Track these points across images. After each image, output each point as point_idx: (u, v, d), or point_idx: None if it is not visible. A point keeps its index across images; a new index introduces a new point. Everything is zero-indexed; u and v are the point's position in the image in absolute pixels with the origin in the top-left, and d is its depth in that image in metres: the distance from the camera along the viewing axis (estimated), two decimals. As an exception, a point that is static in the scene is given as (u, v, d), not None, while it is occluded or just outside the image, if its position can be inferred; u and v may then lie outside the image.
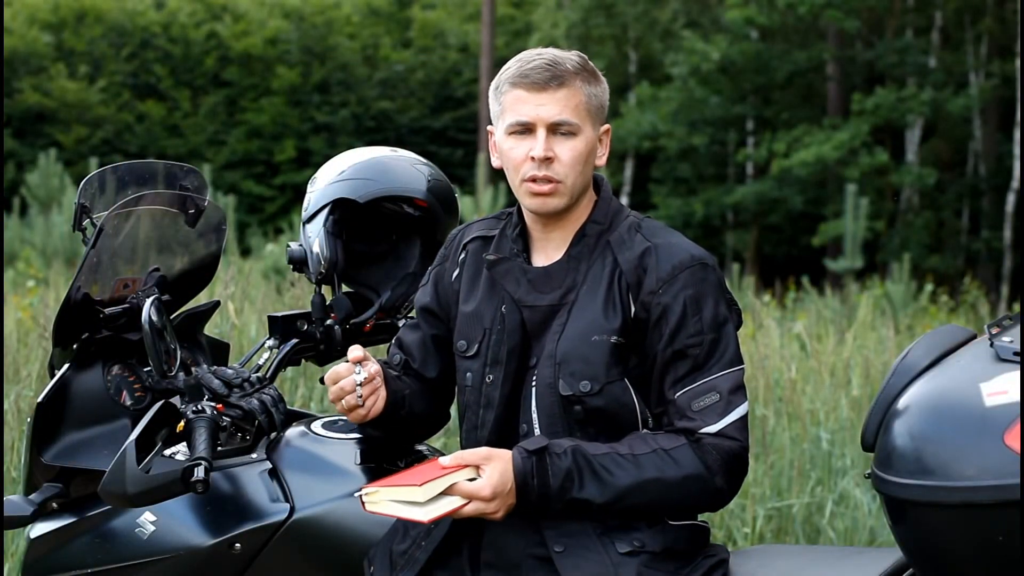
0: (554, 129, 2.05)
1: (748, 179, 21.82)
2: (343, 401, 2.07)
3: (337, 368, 2.08)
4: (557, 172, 2.05)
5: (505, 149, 2.09)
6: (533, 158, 2.04)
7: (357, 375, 2.05)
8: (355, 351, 2.07)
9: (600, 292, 2.06)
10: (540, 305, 2.09)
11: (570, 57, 2.08)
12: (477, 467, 1.96)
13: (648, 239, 2.08)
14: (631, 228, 2.10)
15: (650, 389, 2.06)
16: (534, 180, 2.05)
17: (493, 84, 2.12)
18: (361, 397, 2.06)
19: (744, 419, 2.03)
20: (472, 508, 1.94)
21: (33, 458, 2.29)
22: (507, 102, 2.07)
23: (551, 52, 2.08)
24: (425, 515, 1.90)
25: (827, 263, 13.79)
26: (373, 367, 2.08)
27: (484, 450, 1.98)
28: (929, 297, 11.36)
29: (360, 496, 1.94)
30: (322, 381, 2.13)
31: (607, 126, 2.13)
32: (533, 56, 2.07)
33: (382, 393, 2.11)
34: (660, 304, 2.03)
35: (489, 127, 2.15)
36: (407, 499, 1.90)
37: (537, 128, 2.05)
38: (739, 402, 2.03)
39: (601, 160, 2.13)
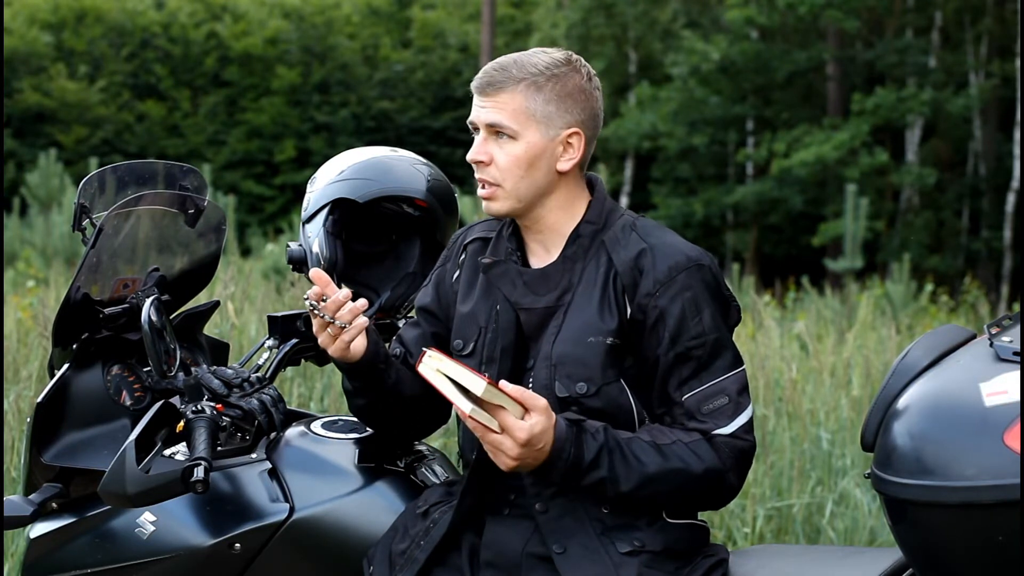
0: (493, 132, 2.07)
1: (748, 179, 21.82)
2: (322, 335, 2.04)
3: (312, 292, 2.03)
4: (492, 175, 2.08)
5: None
6: (468, 160, 2.10)
7: (306, 298, 2.01)
8: (316, 271, 2.03)
9: (595, 293, 2.06)
10: (536, 307, 2.09)
11: (533, 62, 2.06)
12: (526, 410, 1.91)
13: (643, 239, 2.07)
14: (625, 227, 2.10)
15: (647, 390, 2.06)
16: (480, 182, 2.10)
17: None
18: (344, 327, 2.01)
19: (752, 420, 2.05)
20: (499, 440, 1.89)
21: (33, 458, 2.29)
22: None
23: (512, 57, 2.09)
24: (469, 409, 1.84)
25: (827, 263, 13.79)
26: (343, 294, 2.01)
27: (544, 402, 1.92)
28: (929, 297, 11.37)
29: (425, 352, 1.88)
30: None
31: (573, 129, 2.08)
32: (496, 60, 2.11)
33: (362, 340, 2.06)
34: (657, 307, 2.02)
35: None
36: (465, 385, 1.84)
37: (480, 129, 2.09)
38: (747, 404, 2.04)
39: (564, 165, 2.08)
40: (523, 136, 2.06)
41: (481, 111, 2.08)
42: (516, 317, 2.10)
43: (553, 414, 1.94)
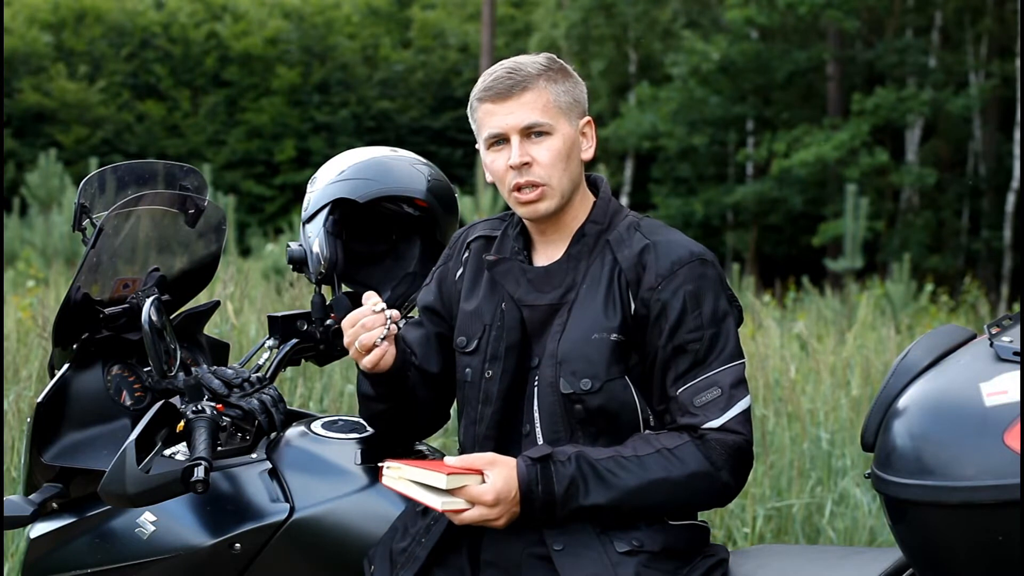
0: (527, 133, 2.07)
1: (748, 179, 21.82)
2: (360, 340, 2.04)
3: (355, 313, 2.06)
4: (539, 175, 2.07)
5: (488, 163, 2.11)
6: (512, 166, 2.06)
7: (376, 306, 2.03)
8: (372, 294, 2.07)
9: (600, 290, 2.07)
10: (540, 304, 2.10)
11: (534, 60, 2.10)
12: (481, 472, 1.96)
13: (647, 237, 2.09)
14: (630, 227, 2.12)
15: (651, 386, 2.07)
16: (519, 188, 2.08)
17: (469, 105, 2.15)
18: (384, 339, 2.03)
19: (747, 413, 2.04)
20: (475, 514, 1.95)
21: (33, 458, 2.29)
22: (480, 118, 2.11)
23: (513, 60, 2.11)
24: (441, 504, 1.92)
25: (827, 263, 13.79)
26: (395, 311, 2.07)
27: (489, 455, 1.99)
28: (929, 297, 11.37)
29: (382, 466, 1.98)
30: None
31: (587, 118, 2.14)
32: (496, 68, 2.11)
33: (392, 349, 2.09)
34: (660, 300, 2.04)
35: (477, 144, 2.17)
36: (429, 483, 1.93)
37: (510, 136, 2.07)
38: (741, 396, 2.03)
39: (587, 154, 2.14)
40: (557, 129, 2.08)
41: (509, 118, 2.07)
42: (521, 316, 2.11)
43: (510, 459, 1.98)
